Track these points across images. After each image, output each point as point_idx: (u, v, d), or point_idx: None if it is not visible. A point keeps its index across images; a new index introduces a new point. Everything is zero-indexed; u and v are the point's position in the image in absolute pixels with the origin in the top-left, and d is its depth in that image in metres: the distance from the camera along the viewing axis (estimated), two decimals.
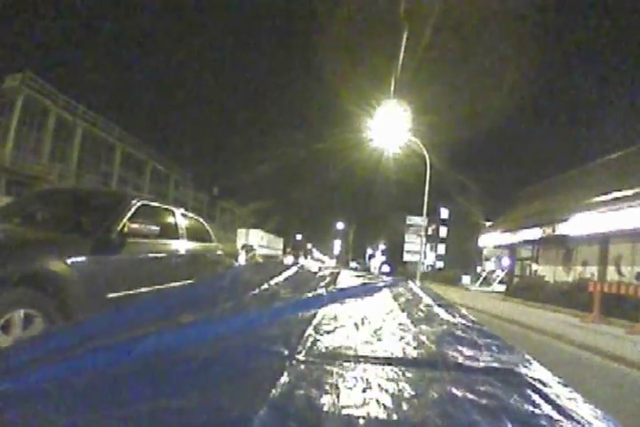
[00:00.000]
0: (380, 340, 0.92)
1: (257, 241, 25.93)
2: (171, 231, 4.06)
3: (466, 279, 27.04)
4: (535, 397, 0.66)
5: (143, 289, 3.10)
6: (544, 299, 12.74)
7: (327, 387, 0.62)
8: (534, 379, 0.74)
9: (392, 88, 15.24)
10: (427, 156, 16.09)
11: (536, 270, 15.76)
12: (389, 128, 16.95)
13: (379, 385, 0.64)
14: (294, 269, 2.11)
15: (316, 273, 2.14)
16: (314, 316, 1.07)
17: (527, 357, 0.91)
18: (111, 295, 2.83)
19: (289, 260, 27.09)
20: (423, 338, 0.96)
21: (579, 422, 0.58)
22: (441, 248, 45.80)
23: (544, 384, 0.72)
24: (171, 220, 4.17)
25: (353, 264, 52.67)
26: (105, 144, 24.96)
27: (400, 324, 1.11)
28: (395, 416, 0.54)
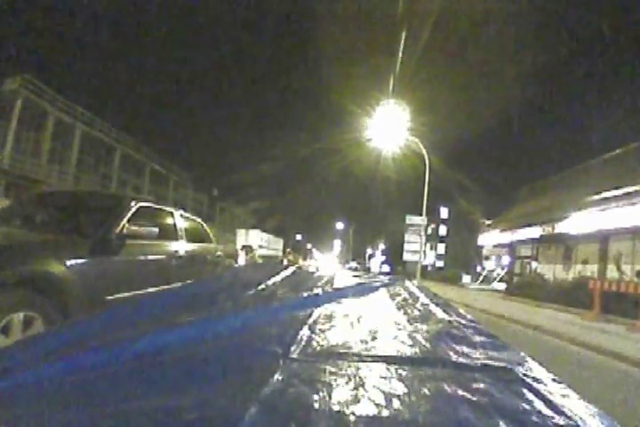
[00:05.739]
0: (375, 338, 0.92)
1: (256, 241, 25.83)
2: (170, 233, 4.07)
3: (466, 278, 27.09)
4: (528, 394, 0.66)
5: (142, 291, 3.11)
6: (544, 297, 12.74)
7: (319, 385, 0.62)
8: (528, 376, 0.74)
9: (391, 88, 15.25)
10: (426, 155, 16.10)
11: (536, 269, 15.76)
12: (389, 127, 16.97)
13: (371, 383, 0.65)
14: (292, 269, 2.11)
15: (313, 273, 2.15)
16: (309, 315, 1.07)
17: (522, 354, 0.92)
18: (110, 297, 2.84)
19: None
20: (418, 336, 0.96)
21: (571, 419, 0.58)
22: (441, 247, 45.75)
23: (538, 381, 0.72)
24: (170, 221, 4.18)
25: (353, 264, 52.72)
26: (104, 146, 24.93)
27: (396, 323, 1.11)
28: (385, 413, 0.54)
